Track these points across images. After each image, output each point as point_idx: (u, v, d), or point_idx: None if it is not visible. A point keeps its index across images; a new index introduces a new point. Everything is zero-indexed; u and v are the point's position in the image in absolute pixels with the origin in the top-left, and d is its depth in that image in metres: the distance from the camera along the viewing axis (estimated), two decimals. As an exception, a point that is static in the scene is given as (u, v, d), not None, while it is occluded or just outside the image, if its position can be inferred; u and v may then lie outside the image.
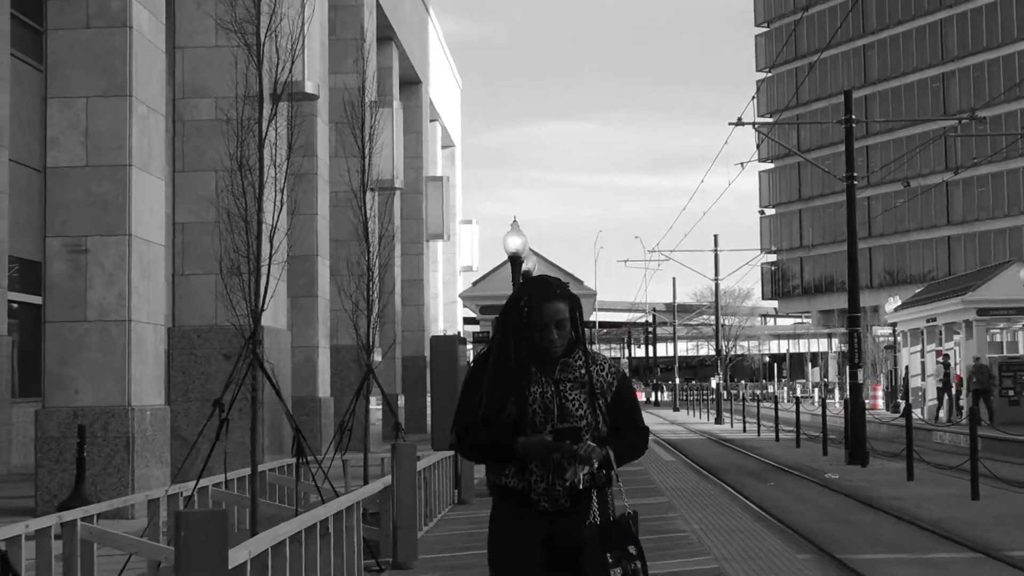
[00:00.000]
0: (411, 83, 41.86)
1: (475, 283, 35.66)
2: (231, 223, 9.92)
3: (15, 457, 23.02)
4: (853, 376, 27.40)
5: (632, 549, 4.54)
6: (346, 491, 12.23)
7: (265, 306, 9.92)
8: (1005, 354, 40.87)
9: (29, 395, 23.22)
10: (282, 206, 9.90)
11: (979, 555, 12.93)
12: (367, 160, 15.71)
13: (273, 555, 6.86)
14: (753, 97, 32.74)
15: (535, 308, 4.68)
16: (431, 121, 47.10)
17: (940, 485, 20.56)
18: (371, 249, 16.26)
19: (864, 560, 12.58)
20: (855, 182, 28.02)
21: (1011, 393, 37.42)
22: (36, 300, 23.57)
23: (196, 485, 10.37)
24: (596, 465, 4.55)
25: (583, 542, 4.54)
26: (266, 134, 9.95)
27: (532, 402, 4.68)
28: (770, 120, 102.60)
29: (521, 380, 4.69)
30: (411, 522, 10.81)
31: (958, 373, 38.72)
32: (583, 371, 4.75)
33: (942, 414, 38.71)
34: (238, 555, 5.83)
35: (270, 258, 9.88)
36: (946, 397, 38.32)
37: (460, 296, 41.17)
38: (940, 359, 39.22)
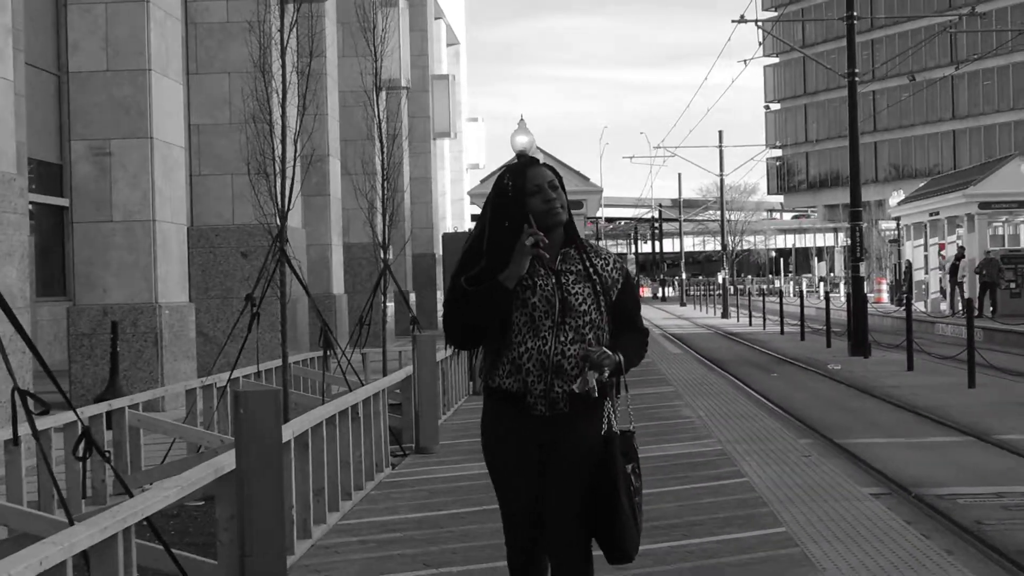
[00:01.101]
0: (416, -19, 41.88)
1: (483, 180, 36.02)
2: (256, 127, 10.36)
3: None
4: (855, 270, 27.92)
5: (635, 467, 4.44)
6: (366, 383, 12.81)
7: (291, 206, 10.41)
8: (1007, 247, 41.25)
9: (49, 295, 23.79)
10: (304, 111, 10.34)
11: (972, 438, 13.54)
12: (379, 63, 16.08)
13: (312, 435, 7.45)
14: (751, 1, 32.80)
15: (519, 177, 4.48)
16: (436, 19, 47.15)
17: (939, 375, 21.16)
18: (384, 149, 16.71)
19: (861, 443, 13.20)
20: (857, 78, 28.25)
21: (1013, 286, 37.79)
22: (54, 201, 24.07)
23: (231, 375, 10.94)
24: (607, 373, 4.35)
25: (611, 455, 4.37)
26: (287, 42, 10.34)
27: (532, 295, 4.42)
28: (774, 14, 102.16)
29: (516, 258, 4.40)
30: (432, 410, 11.40)
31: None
32: (586, 263, 4.51)
33: (945, 306, 39.16)
34: (284, 433, 6.38)
35: (295, 160, 10.35)
36: (958, 288, 38.35)
37: (468, 193, 41.54)
38: (955, 251, 39.24)
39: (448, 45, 53.93)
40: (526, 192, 4.43)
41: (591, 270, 4.49)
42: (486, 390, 4.56)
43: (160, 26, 15.95)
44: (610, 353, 4.35)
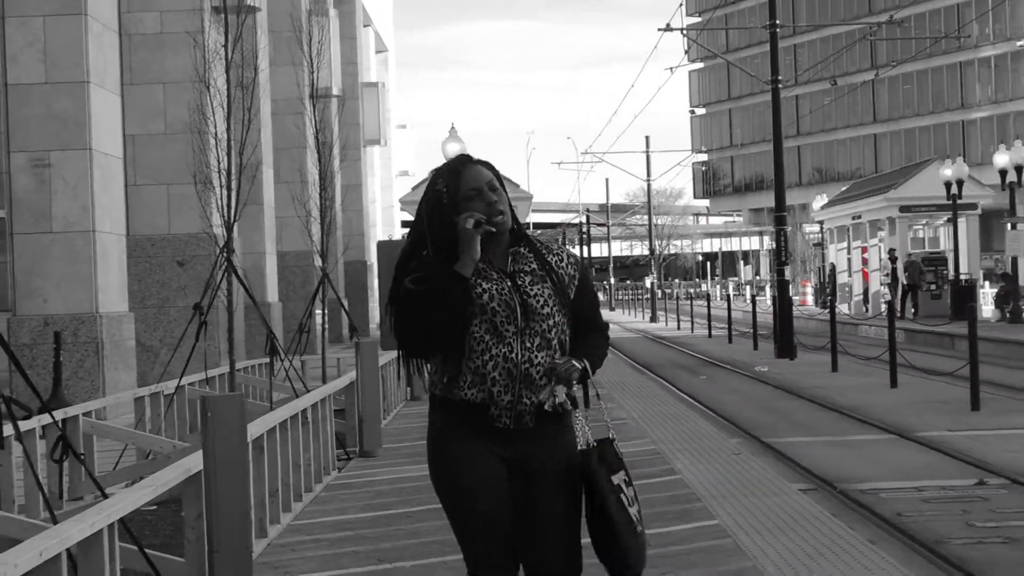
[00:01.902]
0: (345, -11, 42.10)
1: (414, 188, 36.33)
2: (201, 139, 10.65)
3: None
4: (780, 274, 28.58)
5: (624, 476, 4.23)
6: (308, 389, 13.12)
7: (238, 217, 10.70)
8: (927, 249, 42.22)
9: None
10: (248, 125, 10.64)
11: (893, 436, 14.08)
12: (316, 74, 16.38)
13: (267, 438, 7.76)
14: (679, 5, 33.40)
15: (454, 180, 4.15)
16: (365, 26, 47.40)
17: (862, 375, 21.77)
18: (321, 159, 17.01)
19: (787, 442, 13.69)
20: (780, 84, 28.89)
21: (933, 287, 38.70)
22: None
23: (179, 382, 11.20)
24: (575, 384, 4.12)
25: (591, 470, 4.14)
26: (231, 57, 10.64)
27: (489, 300, 4.08)
28: (699, 19, 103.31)
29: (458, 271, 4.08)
30: (375, 414, 11.74)
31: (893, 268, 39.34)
32: (540, 262, 4.21)
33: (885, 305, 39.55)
34: (243, 437, 6.68)
35: (240, 173, 10.65)
36: (899, 290, 38.69)
37: (399, 200, 41.84)
38: (887, 255, 39.85)
39: (377, 52, 54.15)
40: (463, 198, 4.10)
41: (546, 268, 4.20)
42: (438, 403, 4.18)
43: (98, 39, 16.13)
44: (575, 363, 4.10)
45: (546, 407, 4.05)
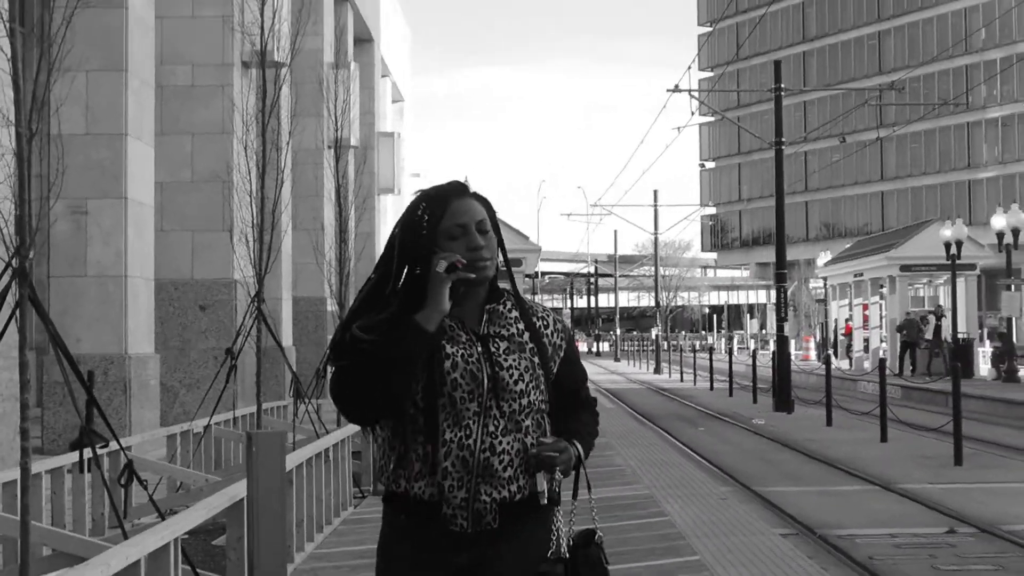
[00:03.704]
0: (364, 40, 43.26)
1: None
2: (237, 197, 11.58)
3: None
4: (779, 330, 29.42)
5: None
6: (326, 431, 13.99)
7: (269, 269, 11.62)
8: (927, 308, 43.05)
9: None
10: (283, 183, 11.58)
11: (877, 487, 14.91)
12: (340, 131, 17.34)
13: (295, 474, 8.65)
14: (688, 68, 34.45)
15: (439, 208, 3.40)
16: (383, 76, 48.58)
17: (855, 430, 22.60)
18: (342, 211, 17.96)
19: (777, 491, 14.52)
20: (785, 145, 29.84)
21: (935, 348, 39.42)
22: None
23: (209, 421, 12.09)
24: (560, 474, 3.40)
25: None
26: (268, 120, 11.59)
27: (452, 368, 3.34)
28: (711, 74, 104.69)
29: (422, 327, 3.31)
30: (389, 454, 12.57)
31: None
32: (520, 325, 3.47)
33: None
34: (279, 470, 7.56)
35: (272, 228, 11.57)
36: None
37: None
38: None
39: (393, 102, 55.33)
40: (444, 233, 3.37)
41: (530, 333, 3.47)
42: (386, 497, 3.45)
43: (136, 94, 17.13)
44: (567, 446, 3.41)
45: (541, 501, 3.36)
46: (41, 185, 8.29)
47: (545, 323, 3.53)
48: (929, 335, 38.74)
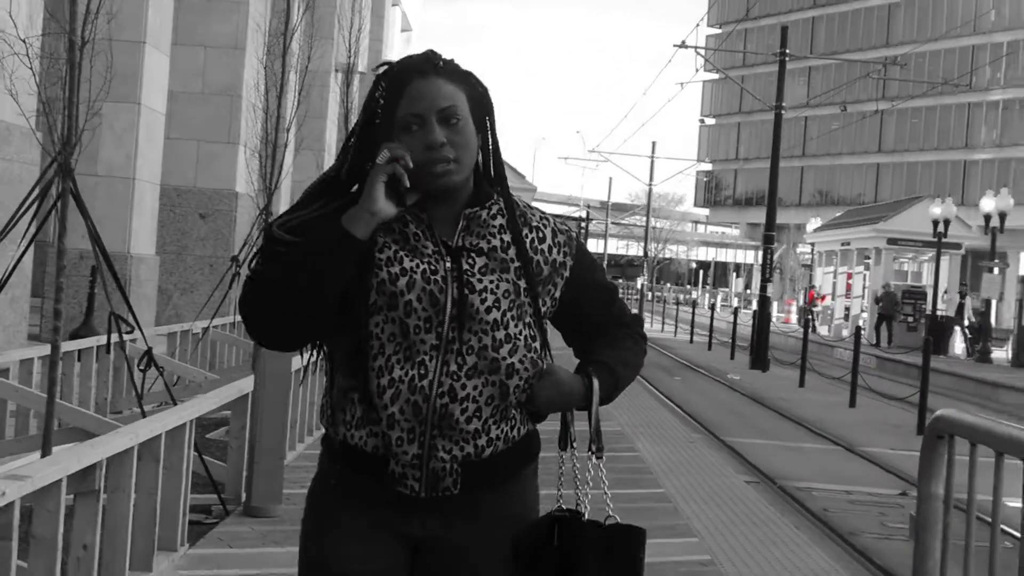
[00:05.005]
0: (376, -33, 43.44)
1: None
2: (254, 113, 12.06)
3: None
4: (763, 290, 30.02)
5: None
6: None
7: (278, 184, 12.12)
8: (909, 283, 43.70)
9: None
10: (298, 105, 12.06)
11: (840, 448, 15.55)
12: (353, 59, 17.77)
13: (293, 378, 9.19)
14: (696, 24, 34.82)
15: (397, 91, 2.62)
16: (393, 5, 48.77)
17: (826, 393, 23.26)
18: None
19: (744, 442, 15.14)
20: (786, 109, 30.28)
21: (910, 319, 40.14)
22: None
23: (210, 323, 12.64)
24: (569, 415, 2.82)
25: (584, 548, 2.73)
26: (289, 43, 12.05)
27: (407, 287, 2.59)
28: (719, 31, 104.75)
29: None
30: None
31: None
32: (507, 236, 2.70)
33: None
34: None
35: (285, 146, 12.07)
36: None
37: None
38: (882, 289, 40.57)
39: (401, 31, 55.52)
40: (399, 123, 2.62)
41: (513, 249, 2.69)
42: (325, 443, 2.76)
43: (157, 4, 17.52)
44: (553, 371, 2.73)
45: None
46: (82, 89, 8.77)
47: (540, 235, 2.74)
48: (952, 312, 39.52)
